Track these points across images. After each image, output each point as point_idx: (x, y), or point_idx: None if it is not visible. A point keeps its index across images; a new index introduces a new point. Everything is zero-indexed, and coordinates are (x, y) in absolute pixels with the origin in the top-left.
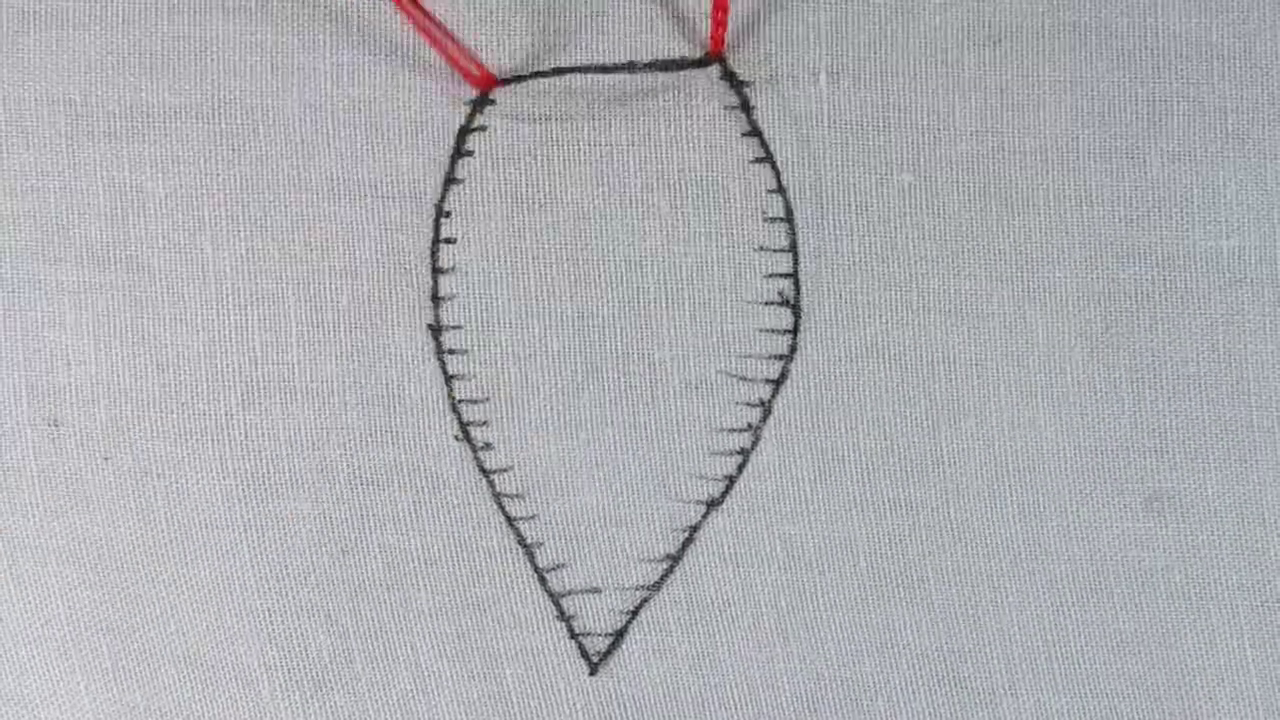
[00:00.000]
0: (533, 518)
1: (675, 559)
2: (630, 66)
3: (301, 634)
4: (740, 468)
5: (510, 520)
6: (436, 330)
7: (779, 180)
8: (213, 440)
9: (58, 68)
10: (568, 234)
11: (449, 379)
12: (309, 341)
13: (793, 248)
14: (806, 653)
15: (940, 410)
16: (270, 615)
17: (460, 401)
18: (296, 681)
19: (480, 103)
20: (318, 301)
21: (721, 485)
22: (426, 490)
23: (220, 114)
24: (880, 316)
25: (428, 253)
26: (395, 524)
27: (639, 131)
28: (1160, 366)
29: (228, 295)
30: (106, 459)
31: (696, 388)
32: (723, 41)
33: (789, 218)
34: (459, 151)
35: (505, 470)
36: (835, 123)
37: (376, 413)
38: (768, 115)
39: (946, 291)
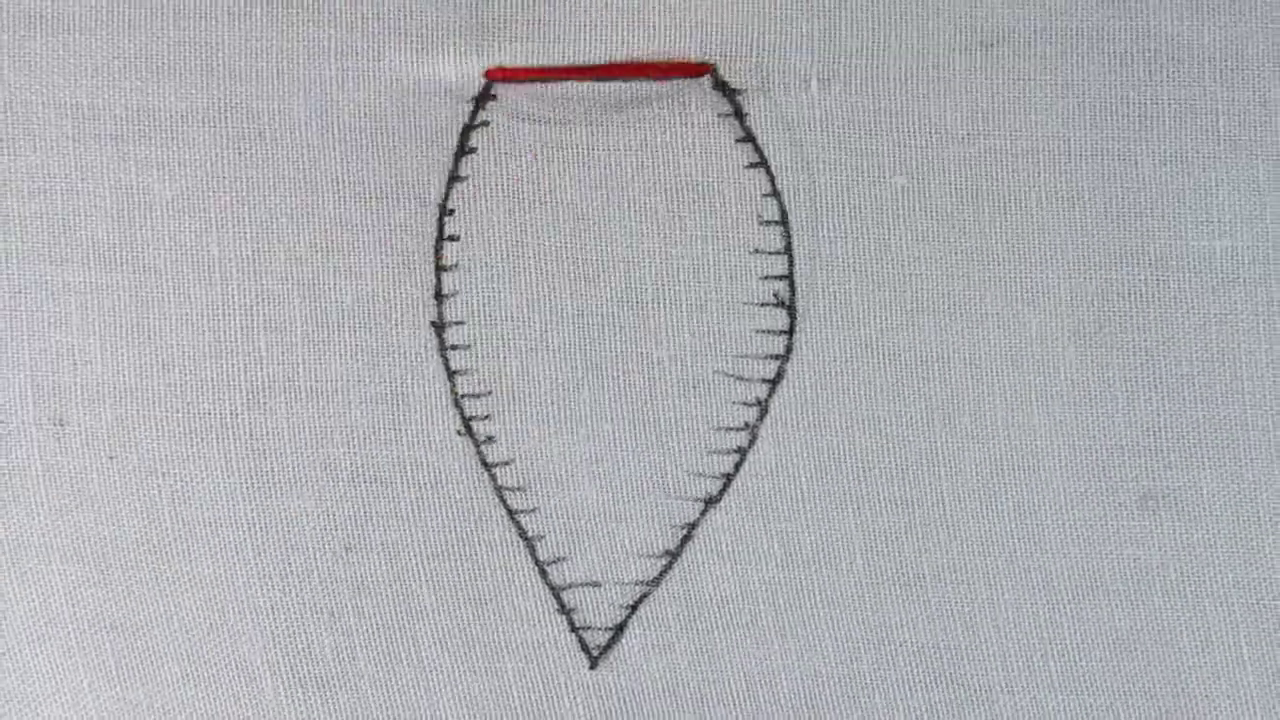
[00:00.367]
0: (534, 511)
1: (674, 555)
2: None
3: (305, 631)
4: (738, 466)
5: (511, 513)
6: (439, 327)
7: (773, 184)
8: (217, 439)
9: (65, 71)
10: (568, 233)
11: (451, 374)
12: (313, 340)
13: (788, 250)
14: (804, 649)
15: (935, 409)
16: (274, 612)
17: (462, 396)
18: (300, 679)
19: (483, 98)
20: (322, 301)
21: (719, 483)
22: (429, 486)
23: (226, 117)
24: (875, 317)
25: (431, 250)
26: (398, 520)
27: (636, 137)
28: (1154, 366)
29: (233, 295)
30: (112, 458)
31: (694, 387)
32: None
33: (784, 221)
34: (463, 148)
35: (506, 463)
36: (828, 128)
37: (380, 410)
38: (761, 121)
39: (940, 292)
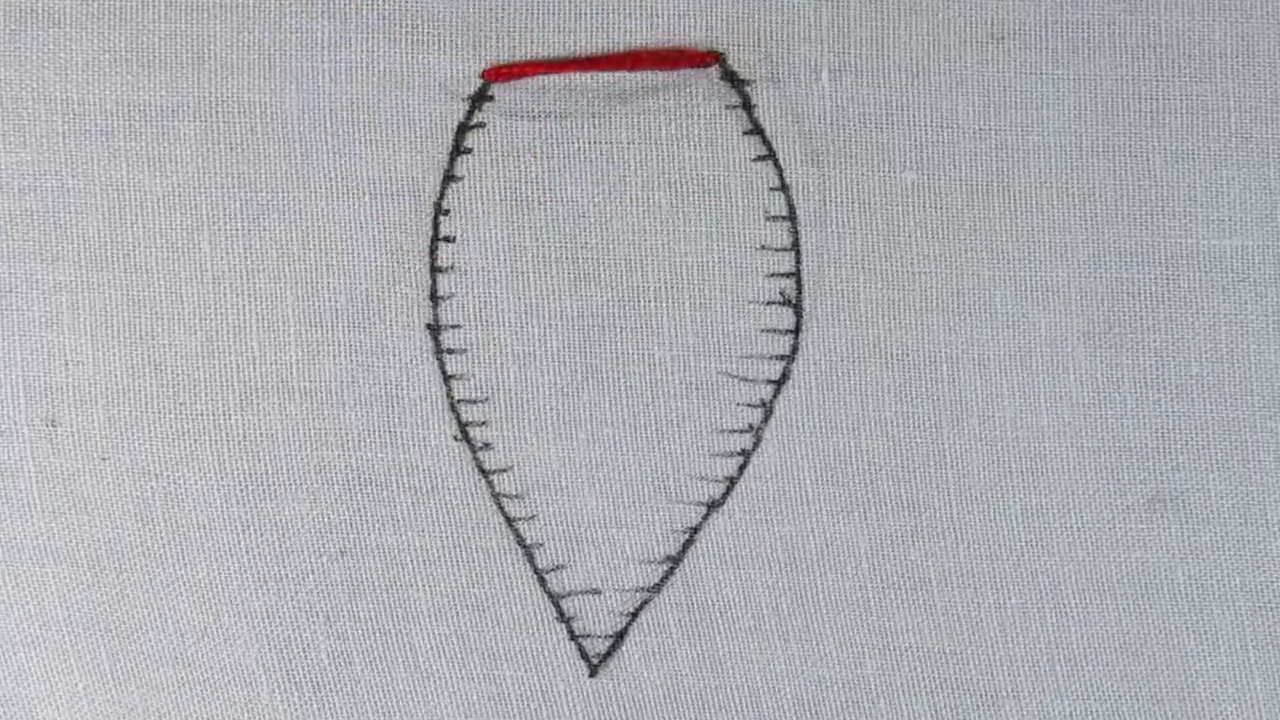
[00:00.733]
0: (532, 518)
1: (676, 560)
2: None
3: (300, 635)
4: (741, 469)
5: (510, 521)
6: (435, 329)
7: (781, 178)
8: (210, 440)
9: (55, 66)
10: (567, 232)
11: (448, 378)
12: (307, 341)
13: (795, 246)
14: (807, 655)
15: (943, 411)
16: (268, 616)
17: (459, 401)
18: (295, 683)
19: (479, 99)
20: (316, 301)
21: (722, 486)
22: (425, 491)
23: (217, 113)
24: (883, 316)
25: (426, 251)
26: (394, 525)
27: (639, 130)
28: (1163, 366)
29: (225, 294)
30: (104, 459)
31: (697, 388)
32: None
33: (791, 216)
34: (458, 149)
35: (504, 470)
36: (837, 121)
37: (375, 413)
38: (770, 113)
39: (949, 290)
